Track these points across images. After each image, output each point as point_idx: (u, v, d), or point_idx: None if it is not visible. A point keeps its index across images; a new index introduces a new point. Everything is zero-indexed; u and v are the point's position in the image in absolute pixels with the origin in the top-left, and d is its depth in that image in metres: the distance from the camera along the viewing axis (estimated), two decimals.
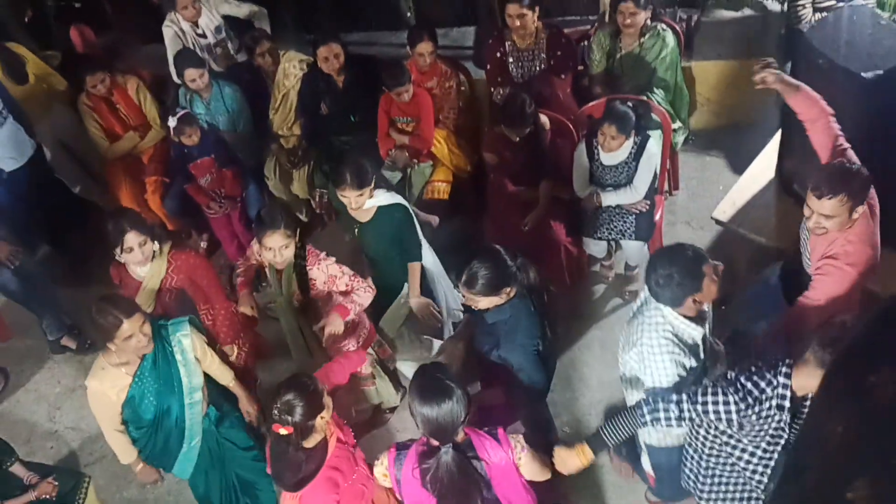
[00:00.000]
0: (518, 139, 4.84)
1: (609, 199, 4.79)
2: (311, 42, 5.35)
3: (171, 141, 5.38)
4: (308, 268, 4.03)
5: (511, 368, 3.43)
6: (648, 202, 4.82)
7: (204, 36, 5.85)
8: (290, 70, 5.58)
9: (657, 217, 5.00)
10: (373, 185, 4.16)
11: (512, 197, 5.05)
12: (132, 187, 5.69)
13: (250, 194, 5.60)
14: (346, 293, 4.08)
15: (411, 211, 4.42)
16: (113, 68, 5.59)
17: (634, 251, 4.98)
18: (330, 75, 5.34)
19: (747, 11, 5.98)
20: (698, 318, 3.28)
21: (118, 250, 3.92)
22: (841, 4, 4.97)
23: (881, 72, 4.08)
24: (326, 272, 4.05)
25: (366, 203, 4.20)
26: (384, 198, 4.29)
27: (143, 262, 4.00)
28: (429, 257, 4.52)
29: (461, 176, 5.51)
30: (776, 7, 5.81)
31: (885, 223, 3.49)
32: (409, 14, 6.65)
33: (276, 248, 3.89)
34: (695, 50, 5.79)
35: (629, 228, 4.82)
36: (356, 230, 4.41)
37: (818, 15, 5.08)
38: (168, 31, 5.78)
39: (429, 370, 3.04)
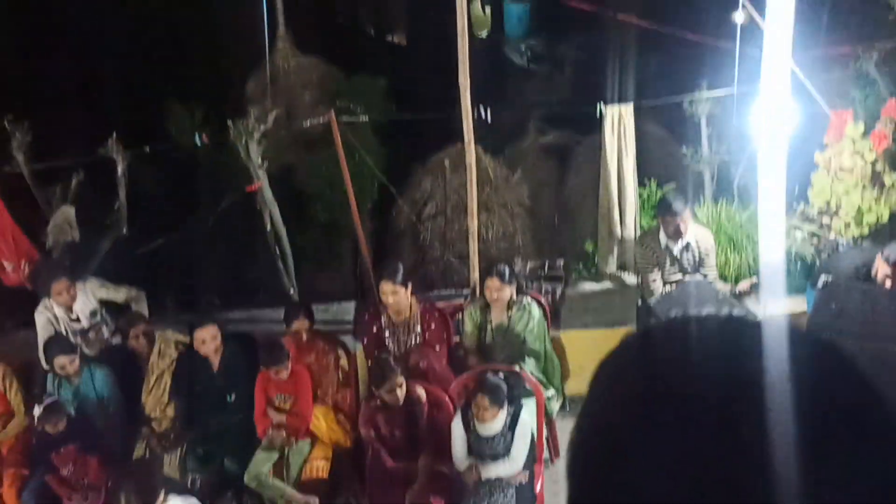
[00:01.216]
0: (395, 412, 4.86)
1: (488, 470, 4.77)
2: (188, 323, 5.39)
3: (34, 429, 5.12)
4: None
5: None
6: (527, 472, 4.82)
7: (78, 321, 5.80)
8: (166, 351, 5.55)
9: (538, 488, 4.97)
10: None
11: (391, 472, 4.96)
12: None
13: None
14: None
15: None
16: None
17: None
18: (206, 356, 5.34)
19: (607, 284, 6.46)
20: None
21: None
22: (687, 278, 5.47)
23: None
24: None
25: None
26: None
27: None
28: None
29: (341, 452, 5.40)
30: (633, 280, 6.31)
31: None
32: (291, 290, 6.85)
33: None
34: (562, 320, 6.12)
35: (510, 502, 4.75)
36: None
37: (668, 287, 5.54)
38: (41, 317, 5.72)
39: None
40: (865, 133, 5.78)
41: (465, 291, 6.29)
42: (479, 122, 6.63)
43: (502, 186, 7.74)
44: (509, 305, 5.45)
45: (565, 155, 8.20)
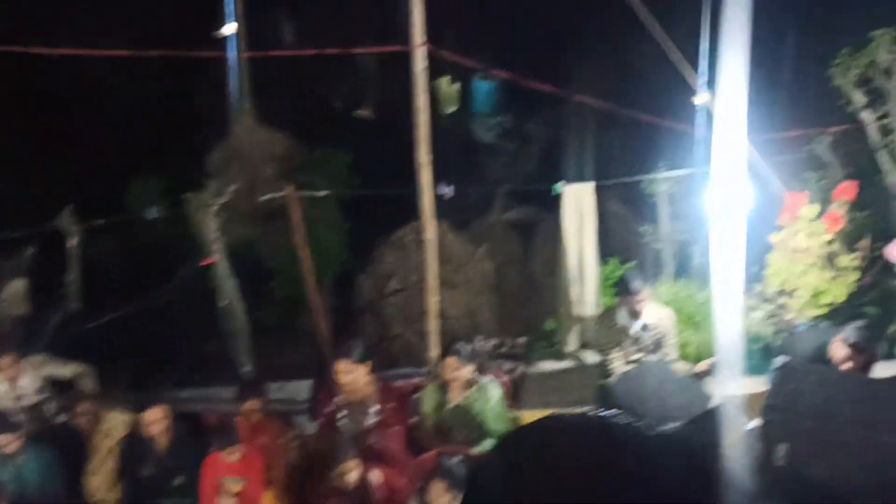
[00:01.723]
0: (347, 497, 4.70)
1: None
2: (137, 402, 5.22)
3: None
4: None
5: None
6: None
7: (22, 398, 5.60)
8: (112, 430, 5.36)
9: None
10: None
11: None
12: None
13: None
14: None
15: None
16: None
17: None
18: (153, 437, 5.15)
19: (568, 363, 6.40)
20: None
21: None
22: (646, 358, 5.44)
23: (680, 423, 4.36)
24: None
25: None
26: None
27: None
28: None
29: None
30: (594, 359, 6.25)
31: None
32: (246, 368, 6.70)
33: None
34: (523, 400, 6.02)
35: None
36: None
37: (628, 367, 5.49)
38: None
39: None
40: (819, 214, 5.88)
41: (425, 370, 6.18)
42: (443, 198, 6.65)
43: (467, 263, 7.71)
44: (468, 385, 5.35)
45: (530, 231, 8.23)
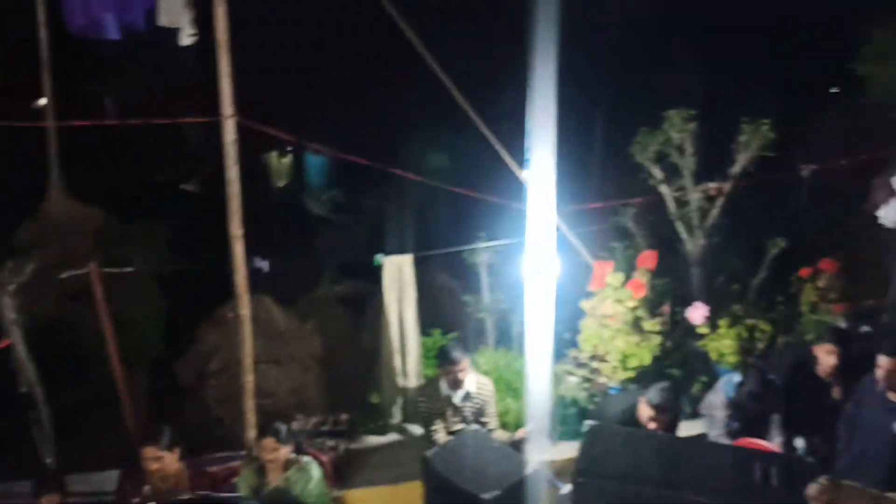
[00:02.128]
0: None
1: None
2: None
3: None
4: None
5: None
6: None
7: None
8: None
9: None
10: None
11: None
12: None
13: None
14: None
15: None
16: None
17: None
18: None
19: (393, 436, 6.32)
20: None
21: None
22: (468, 427, 5.46)
23: (498, 492, 4.39)
24: None
25: None
26: None
27: None
28: None
29: None
30: (419, 432, 6.20)
31: None
32: (47, 459, 6.14)
33: None
34: (347, 478, 5.86)
35: None
36: None
37: (450, 437, 5.48)
38: None
39: None
40: (624, 282, 6.22)
41: (243, 452, 5.91)
42: (261, 272, 6.49)
43: (293, 339, 7.52)
44: (287, 465, 5.16)
45: (359, 305, 8.18)
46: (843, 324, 6.33)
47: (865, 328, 6.59)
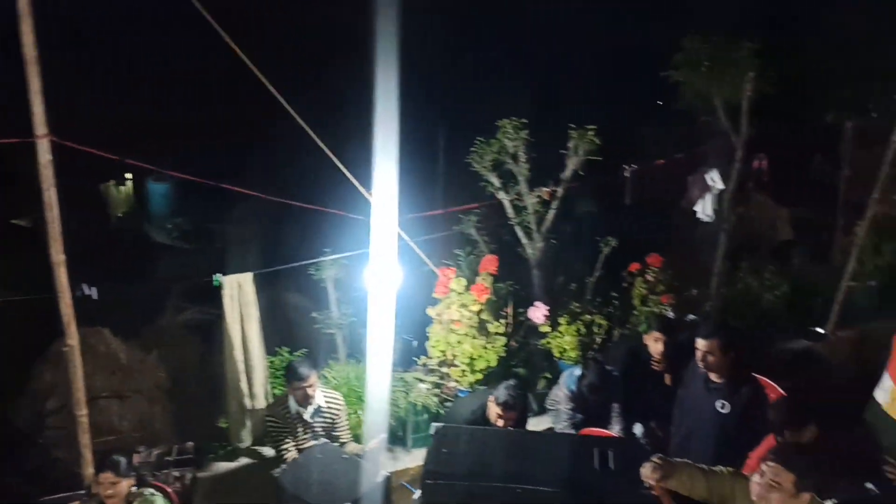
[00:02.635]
0: None
1: None
2: None
3: None
4: None
5: None
6: None
7: None
8: None
9: None
10: None
11: None
12: None
13: None
14: None
15: None
16: None
17: None
18: None
19: (244, 460, 6.15)
20: None
21: None
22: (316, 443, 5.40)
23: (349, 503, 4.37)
24: None
25: None
26: None
27: None
28: None
29: None
30: (270, 453, 6.06)
31: None
32: None
33: None
34: None
35: None
36: None
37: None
38: None
39: None
40: (468, 287, 6.35)
41: (83, 491, 5.58)
42: (108, 304, 6.13)
43: (137, 371, 7.18)
44: (128, 500, 4.91)
45: (206, 331, 7.92)
46: (670, 314, 6.74)
47: (691, 316, 7.06)
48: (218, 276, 5.86)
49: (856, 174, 8.08)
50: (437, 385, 6.31)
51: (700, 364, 4.98)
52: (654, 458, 4.00)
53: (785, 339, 7.44)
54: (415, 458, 6.08)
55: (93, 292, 5.20)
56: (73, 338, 5.07)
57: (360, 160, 6.45)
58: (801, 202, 8.81)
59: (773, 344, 7.27)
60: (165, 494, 5.11)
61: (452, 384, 6.29)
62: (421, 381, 6.28)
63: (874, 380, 5.30)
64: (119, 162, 5.44)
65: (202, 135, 9.19)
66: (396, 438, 6.28)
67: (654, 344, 5.66)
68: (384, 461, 5.64)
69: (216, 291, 6.19)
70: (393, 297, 5.29)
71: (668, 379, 5.75)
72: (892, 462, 4.47)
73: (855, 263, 7.40)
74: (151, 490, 5.03)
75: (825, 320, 7.63)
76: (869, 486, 4.47)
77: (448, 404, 6.18)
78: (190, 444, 6.00)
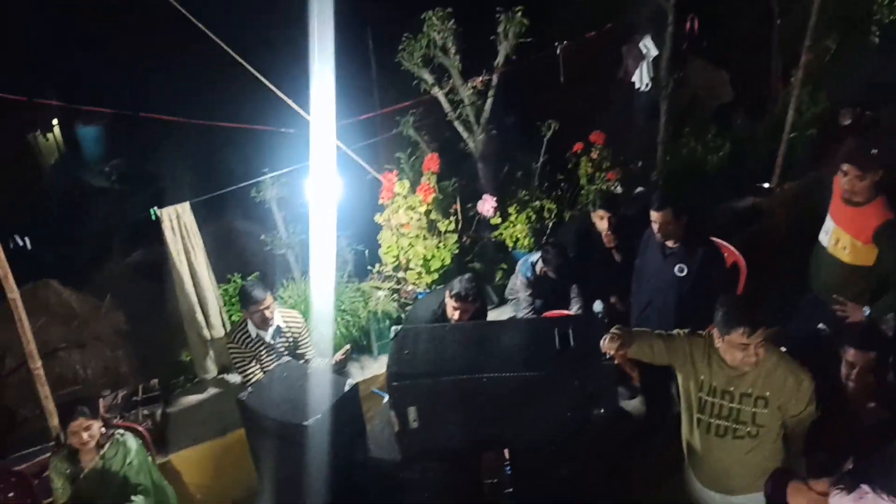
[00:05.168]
0: None
1: None
2: None
3: None
4: None
5: None
6: None
7: None
8: None
9: None
10: None
11: None
12: None
13: None
14: None
15: None
16: None
17: None
18: None
19: (212, 390, 6.14)
20: None
21: None
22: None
23: (319, 415, 4.37)
24: None
25: None
26: None
27: None
28: None
29: None
30: (237, 379, 6.05)
31: None
32: None
33: None
34: (170, 443, 5.65)
35: None
36: None
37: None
38: None
39: None
40: (412, 189, 6.25)
41: (52, 444, 5.54)
42: (53, 257, 5.97)
43: (93, 318, 7.08)
44: (100, 445, 4.87)
45: (157, 269, 7.79)
46: (619, 189, 6.73)
47: (640, 189, 7.07)
48: (154, 209, 5.69)
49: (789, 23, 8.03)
50: (395, 290, 6.30)
51: (657, 235, 5.01)
52: (613, 330, 4.03)
53: (732, 198, 7.52)
54: (382, 365, 6.11)
55: (26, 242, 5.02)
56: (12, 291, 4.91)
57: (287, 73, 6.23)
58: (737, 60, 8.73)
59: (721, 203, 7.35)
60: (137, 433, 5.10)
61: (410, 287, 6.28)
62: (378, 288, 6.25)
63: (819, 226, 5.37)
64: (28, 102, 5.16)
65: (117, 67, 8.78)
66: (362, 348, 6.29)
67: (600, 222, 5.67)
68: (352, 371, 5.66)
69: (160, 228, 6.05)
70: (334, 207, 5.19)
71: (616, 256, 5.79)
72: (841, 301, 4.58)
73: (793, 114, 7.43)
74: (121, 430, 5.00)
75: (770, 175, 7.71)
76: (821, 326, 4.59)
77: (408, 308, 6.18)
78: (154, 381, 5.97)
